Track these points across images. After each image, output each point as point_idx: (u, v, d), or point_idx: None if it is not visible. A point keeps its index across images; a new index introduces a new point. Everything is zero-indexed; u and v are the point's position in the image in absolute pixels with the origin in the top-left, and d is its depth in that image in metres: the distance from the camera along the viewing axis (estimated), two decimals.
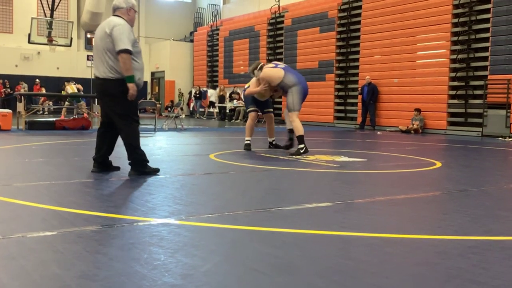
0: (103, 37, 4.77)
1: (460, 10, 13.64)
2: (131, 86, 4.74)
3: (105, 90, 4.83)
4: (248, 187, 4.54)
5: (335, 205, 3.66)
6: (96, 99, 5.07)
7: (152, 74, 27.37)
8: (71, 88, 16.77)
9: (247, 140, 7.83)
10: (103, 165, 5.10)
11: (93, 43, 4.98)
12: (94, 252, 2.39)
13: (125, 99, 4.78)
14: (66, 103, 16.26)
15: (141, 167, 4.92)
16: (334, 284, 2.03)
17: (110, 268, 2.16)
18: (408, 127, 14.34)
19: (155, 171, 5.02)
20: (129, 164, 4.94)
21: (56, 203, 3.49)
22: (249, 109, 8.03)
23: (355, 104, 16.88)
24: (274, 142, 8.17)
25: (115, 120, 4.89)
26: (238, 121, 19.33)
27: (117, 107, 4.84)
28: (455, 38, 13.75)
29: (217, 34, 24.01)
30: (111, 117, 4.92)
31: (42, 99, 21.58)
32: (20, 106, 12.25)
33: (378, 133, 14.16)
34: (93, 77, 5.21)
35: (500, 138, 12.35)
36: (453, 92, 13.90)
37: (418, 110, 14.25)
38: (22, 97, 12.75)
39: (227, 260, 2.35)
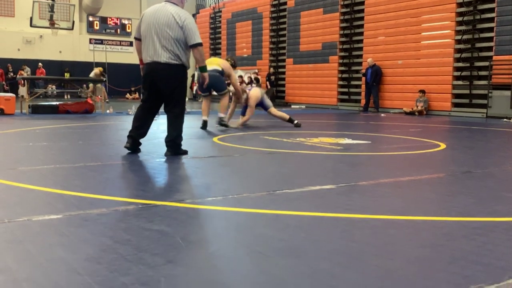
0: (172, 26, 4.94)
1: None
2: (206, 75, 5.34)
3: (169, 74, 5.02)
4: (252, 170, 4.54)
5: (339, 188, 3.66)
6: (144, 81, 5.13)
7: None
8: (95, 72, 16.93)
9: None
10: (136, 144, 5.25)
11: (147, 26, 5.04)
12: (99, 235, 2.40)
13: (184, 85, 5.23)
14: (90, 86, 16.22)
15: (178, 149, 5.20)
16: (338, 266, 2.04)
17: (115, 251, 2.17)
18: (412, 108, 14.28)
19: (186, 152, 5.23)
20: (166, 145, 5.17)
21: (61, 186, 3.50)
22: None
23: (359, 86, 16.80)
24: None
25: (169, 103, 5.14)
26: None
27: (176, 91, 5.12)
28: (460, 19, 13.61)
29: (220, 16, 23.84)
30: (167, 101, 5.15)
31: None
32: (23, 90, 12.24)
33: (382, 115, 14.11)
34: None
35: (504, 119, 12.29)
36: (458, 73, 13.81)
37: (422, 92, 14.17)
38: (25, 81, 12.73)
39: (231, 243, 2.35)
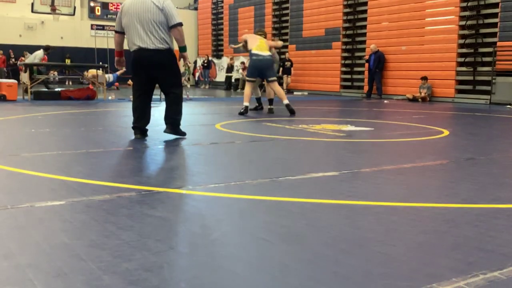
0: (152, 10, 5.11)
1: None
2: (186, 54, 5.48)
3: (158, 59, 5.21)
4: (255, 157, 4.53)
5: (342, 174, 3.66)
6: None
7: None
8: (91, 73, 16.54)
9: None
10: (144, 132, 5.47)
11: (128, 16, 5.20)
12: (102, 221, 2.40)
13: (176, 67, 5.41)
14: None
15: (177, 128, 5.43)
16: (341, 253, 2.04)
17: (118, 237, 2.17)
18: (415, 95, 14.22)
19: (184, 134, 5.46)
20: (167, 123, 5.39)
21: (64, 173, 3.51)
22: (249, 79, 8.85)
23: (362, 72, 16.72)
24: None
25: (165, 87, 5.40)
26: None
27: (170, 74, 5.34)
28: (464, 4, 13.49)
29: (222, 1, 23.68)
30: (164, 85, 5.40)
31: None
32: (25, 77, 12.22)
33: (385, 101, 14.06)
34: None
35: (508, 106, 12.24)
36: (462, 60, 13.72)
37: (425, 78, 14.10)
38: (27, 67, 12.69)
39: (234, 230, 2.36)
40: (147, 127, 5.50)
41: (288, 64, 18.87)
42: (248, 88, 8.76)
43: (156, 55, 5.16)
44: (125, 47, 5.48)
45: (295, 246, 2.11)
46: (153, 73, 5.29)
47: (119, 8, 5.74)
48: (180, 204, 2.76)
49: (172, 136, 5.52)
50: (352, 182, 3.42)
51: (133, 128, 5.45)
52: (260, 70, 8.71)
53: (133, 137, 5.44)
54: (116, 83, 18.24)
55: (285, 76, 18.85)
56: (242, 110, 8.40)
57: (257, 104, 9.48)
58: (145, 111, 5.43)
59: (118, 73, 17.51)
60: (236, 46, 9.74)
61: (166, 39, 5.20)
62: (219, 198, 2.93)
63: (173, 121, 5.36)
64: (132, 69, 5.36)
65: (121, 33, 5.39)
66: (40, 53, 14.84)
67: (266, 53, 8.66)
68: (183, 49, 5.38)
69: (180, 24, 5.23)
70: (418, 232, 2.35)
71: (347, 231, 2.33)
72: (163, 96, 5.71)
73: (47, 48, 15.38)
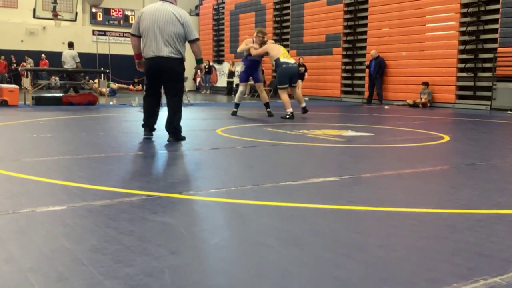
0: (173, 22, 5.45)
1: None
2: (202, 66, 6.10)
3: (171, 67, 5.54)
4: (256, 162, 4.54)
5: (343, 180, 3.66)
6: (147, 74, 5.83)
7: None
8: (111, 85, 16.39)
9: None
10: (152, 129, 5.85)
11: (149, 23, 5.47)
12: (103, 226, 2.41)
13: (183, 76, 5.79)
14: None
15: (179, 135, 5.67)
16: (342, 257, 2.04)
17: (119, 242, 2.17)
18: (415, 101, 14.23)
19: (184, 138, 5.67)
20: (169, 131, 5.62)
21: (65, 178, 3.51)
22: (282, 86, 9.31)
23: (362, 78, 16.74)
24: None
25: (171, 91, 5.64)
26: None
27: (178, 81, 5.71)
28: (465, 10, 13.52)
29: (223, 7, 23.75)
30: (169, 90, 5.66)
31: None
32: (27, 82, 12.24)
33: (386, 107, 14.07)
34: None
35: (509, 112, 12.24)
36: (462, 65, 13.74)
37: (425, 84, 14.11)
38: (28, 72, 12.73)
39: (235, 234, 2.36)
40: (155, 126, 5.87)
41: (302, 69, 18.73)
42: (285, 95, 9.21)
43: (169, 62, 5.50)
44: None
45: (296, 251, 2.12)
46: (163, 78, 5.62)
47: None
48: (181, 209, 2.76)
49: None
50: (353, 187, 3.42)
51: (143, 126, 5.79)
52: (290, 77, 9.26)
53: (133, 142, 5.46)
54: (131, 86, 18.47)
55: (299, 81, 18.61)
56: (288, 116, 8.90)
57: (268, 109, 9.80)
58: (154, 112, 5.81)
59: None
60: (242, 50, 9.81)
61: (181, 50, 5.55)
62: (220, 203, 2.94)
63: (176, 130, 5.64)
64: (146, 74, 5.71)
65: (138, 36, 5.62)
66: (73, 51, 14.12)
67: (293, 60, 9.37)
68: (200, 61, 5.89)
69: (198, 39, 5.65)
70: (418, 237, 2.35)
71: (347, 236, 2.33)
72: (164, 101, 5.95)
73: (72, 45, 14.95)
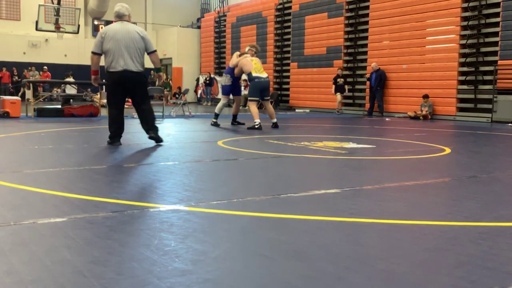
0: (137, 39, 6.20)
1: None
2: (162, 74, 7.08)
3: (139, 80, 6.30)
4: (257, 174, 4.54)
5: (344, 192, 3.66)
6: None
7: (160, 61, 27.31)
8: None
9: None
10: (120, 138, 6.34)
11: (114, 43, 6.11)
12: (105, 238, 2.41)
13: (147, 86, 6.52)
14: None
15: (158, 132, 6.37)
16: (344, 270, 2.04)
17: (121, 254, 2.17)
18: (416, 113, 14.25)
19: (162, 140, 6.38)
20: (150, 129, 6.33)
21: (66, 189, 3.52)
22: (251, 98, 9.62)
23: (363, 90, 16.78)
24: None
25: (141, 101, 6.36)
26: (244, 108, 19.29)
27: (145, 92, 6.49)
28: (465, 23, 13.59)
29: (224, 20, 23.89)
30: (140, 99, 6.35)
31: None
32: (29, 93, 12.28)
33: (387, 119, 14.09)
34: (101, 64, 6.27)
35: (510, 124, 12.25)
36: (463, 78, 13.78)
37: (426, 96, 14.14)
38: (31, 84, 12.78)
39: (236, 246, 2.35)
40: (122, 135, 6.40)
41: (341, 81, 16.78)
42: (253, 107, 9.52)
43: (137, 76, 6.23)
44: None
45: (298, 263, 2.11)
46: (131, 91, 6.30)
47: None
48: (182, 221, 2.76)
49: (174, 153, 5.54)
50: (354, 199, 3.42)
51: (112, 137, 6.24)
52: (261, 91, 9.62)
53: (135, 154, 5.47)
54: None
55: (338, 94, 16.82)
56: (257, 126, 9.08)
57: (237, 122, 10.32)
58: (121, 122, 6.36)
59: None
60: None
61: (143, 63, 6.33)
62: (222, 215, 2.93)
63: (152, 127, 6.31)
64: (111, 87, 6.31)
65: (99, 54, 6.24)
66: None
67: (265, 75, 9.63)
68: (158, 70, 6.76)
69: (156, 51, 6.47)
70: (420, 249, 2.34)
71: (349, 248, 2.33)
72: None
73: None
